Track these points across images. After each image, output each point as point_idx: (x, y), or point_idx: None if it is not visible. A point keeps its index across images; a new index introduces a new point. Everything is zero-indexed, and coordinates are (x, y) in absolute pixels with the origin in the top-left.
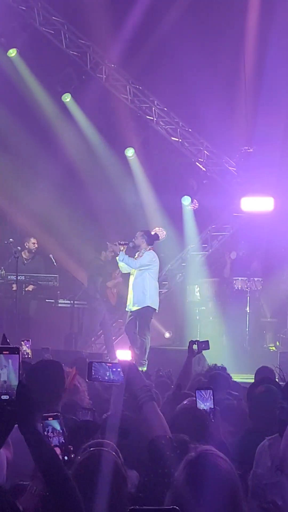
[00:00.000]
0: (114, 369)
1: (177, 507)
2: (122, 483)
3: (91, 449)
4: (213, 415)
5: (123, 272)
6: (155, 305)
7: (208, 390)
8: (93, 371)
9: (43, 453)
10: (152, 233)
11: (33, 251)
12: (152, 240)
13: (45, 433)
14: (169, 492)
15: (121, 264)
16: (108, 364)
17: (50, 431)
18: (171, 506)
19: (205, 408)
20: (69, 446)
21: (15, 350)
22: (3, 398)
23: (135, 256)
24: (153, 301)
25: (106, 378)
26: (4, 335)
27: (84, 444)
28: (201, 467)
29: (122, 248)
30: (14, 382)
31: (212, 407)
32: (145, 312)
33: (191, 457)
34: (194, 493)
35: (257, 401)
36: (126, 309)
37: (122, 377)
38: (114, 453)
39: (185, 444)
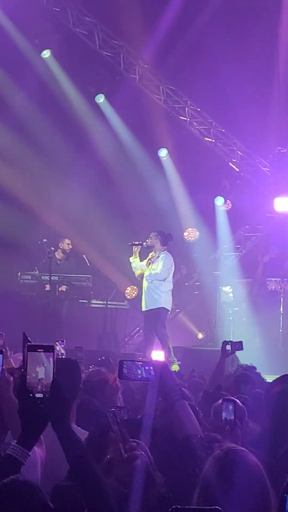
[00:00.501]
0: (146, 368)
1: (219, 508)
2: (153, 484)
3: None
4: (231, 427)
5: (136, 273)
6: (169, 307)
7: (231, 402)
8: (124, 369)
9: (75, 451)
10: (166, 233)
11: (67, 252)
12: (166, 240)
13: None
14: (198, 489)
15: (133, 265)
16: (139, 362)
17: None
18: (214, 507)
19: (227, 418)
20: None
21: (50, 348)
22: (37, 396)
23: (149, 256)
24: (167, 303)
25: (139, 376)
26: (24, 333)
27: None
28: (230, 463)
29: (136, 249)
30: (49, 380)
31: (233, 418)
32: (162, 313)
33: (219, 454)
34: (224, 489)
35: (272, 400)
36: (143, 310)
37: (153, 376)
38: (144, 453)
39: (217, 443)
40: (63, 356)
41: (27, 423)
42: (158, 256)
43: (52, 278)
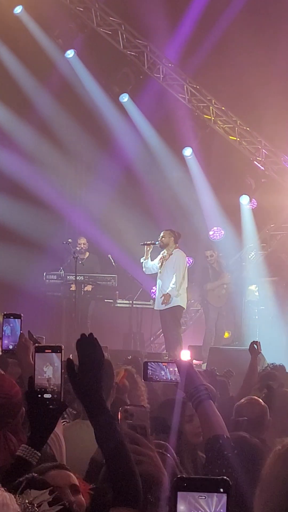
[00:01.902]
0: (170, 369)
1: (226, 477)
2: None
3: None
4: None
5: (147, 273)
6: (184, 304)
7: None
8: (149, 371)
9: (111, 437)
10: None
11: (83, 251)
12: (178, 238)
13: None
14: (258, 488)
15: (146, 265)
16: (163, 363)
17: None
18: (221, 476)
19: None
20: None
21: (58, 349)
22: (46, 397)
23: (164, 254)
24: (183, 301)
25: (163, 377)
26: (29, 331)
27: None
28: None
29: (148, 249)
30: (58, 380)
31: None
32: (177, 311)
33: (281, 450)
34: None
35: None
36: (156, 308)
37: (178, 376)
38: (169, 455)
39: (244, 442)
40: None
41: (36, 424)
42: (172, 254)
43: (77, 278)
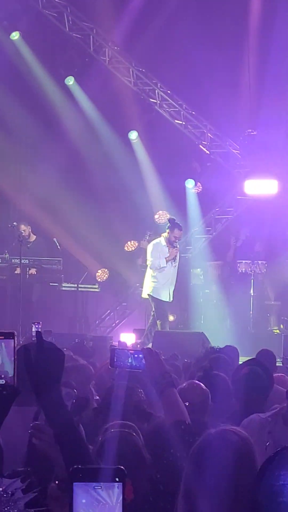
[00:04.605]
0: (136, 356)
1: (122, 467)
2: (143, 465)
3: (112, 430)
4: None
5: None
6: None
7: None
8: (115, 358)
9: (60, 417)
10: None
11: (26, 236)
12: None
13: None
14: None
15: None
16: (130, 351)
17: None
18: (117, 466)
19: None
20: None
21: (10, 335)
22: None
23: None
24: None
25: (128, 364)
26: None
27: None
28: (203, 447)
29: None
30: (9, 367)
31: None
32: None
33: (212, 434)
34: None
35: (240, 382)
36: (167, 300)
37: (143, 364)
38: (134, 434)
39: (205, 428)
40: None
41: None
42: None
43: (22, 261)
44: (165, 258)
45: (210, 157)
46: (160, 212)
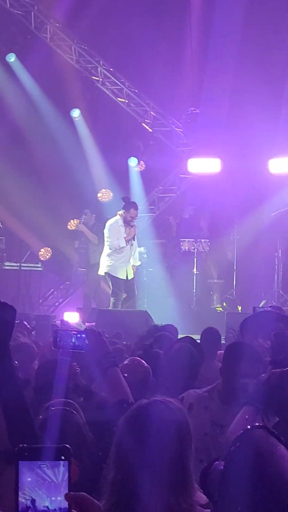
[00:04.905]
0: (78, 336)
1: (67, 445)
2: (85, 443)
3: (53, 408)
4: None
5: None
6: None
7: None
8: (58, 338)
9: (9, 387)
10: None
11: None
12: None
13: None
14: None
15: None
16: (73, 331)
17: None
18: (62, 444)
19: None
20: None
21: None
22: None
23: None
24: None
25: (71, 345)
26: None
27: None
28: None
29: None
30: None
31: None
32: None
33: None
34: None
35: (172, 359)
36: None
37: (87, 344)
38: (75, 412)
39: None
40: None
41: None
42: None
43: None
44: (124, 238)
45: (153, 135)
46: (103, 190)
